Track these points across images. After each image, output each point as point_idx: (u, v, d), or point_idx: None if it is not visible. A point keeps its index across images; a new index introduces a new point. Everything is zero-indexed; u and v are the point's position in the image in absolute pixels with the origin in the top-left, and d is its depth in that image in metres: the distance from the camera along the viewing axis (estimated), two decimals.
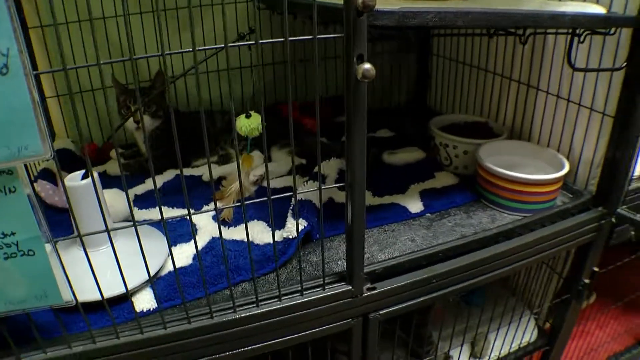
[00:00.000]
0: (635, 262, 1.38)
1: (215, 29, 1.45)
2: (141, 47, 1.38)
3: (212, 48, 0.58)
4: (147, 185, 1.20)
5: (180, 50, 0.58)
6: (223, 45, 0.57)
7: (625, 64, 0.97)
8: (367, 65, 0.59)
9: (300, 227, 0.90)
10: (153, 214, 1.06)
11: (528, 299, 1.39)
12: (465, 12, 0.69)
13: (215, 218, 1.03)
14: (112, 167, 1.30)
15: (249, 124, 0.93)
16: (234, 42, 1.08)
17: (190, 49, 0.56)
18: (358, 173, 0.69)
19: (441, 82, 1.69)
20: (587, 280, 1.17)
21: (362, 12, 0.58)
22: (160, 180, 1.23)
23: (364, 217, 0.73)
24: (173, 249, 0.93)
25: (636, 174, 1.12)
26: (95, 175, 0.80)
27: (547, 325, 1.35)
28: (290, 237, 0.89)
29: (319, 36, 0.60)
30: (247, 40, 0.59)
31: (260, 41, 0.59)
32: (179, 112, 1.43)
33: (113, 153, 1.37)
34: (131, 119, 1.22)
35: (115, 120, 1.33)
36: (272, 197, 0.66)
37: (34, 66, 1.30)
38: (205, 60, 0.90)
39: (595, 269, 1.17)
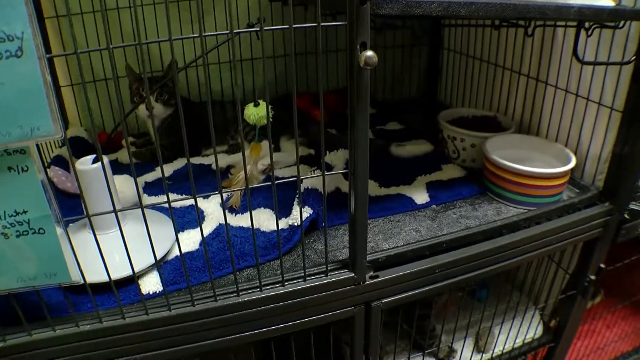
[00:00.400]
0: None
1: (227, 21, 1.47)
2: (154, 38, 1.40)
3: (219, 34, 0.60)
4: (157, 172, 1.22)
5: (187, 36, 0.60)
6: (229, 31, 0.58)
7: (634, 57, 0.96)
8: (370, 53, 0.60)
9: (306, 215, 0.91)
10: (162, 200, 1.08)
11: (534, 294, 1.39)
12: (469, 3, 0.70)
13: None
14: (124, 156, 1.33)
15: (257, 112, 0.94)
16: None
17: (198, 35, 0.57)
18: (361, 160, 0.70)
19: (451, 76, 1.69)
20: (593, 277, 1.17)
21: (364, 0, 0.59)
22: (171, 168, 1.25)
23: (367, 205, 0.74)
24: (181, 234, 0.95)
25: None
26: (106, 160, 0.83)
27: (553, 322, 1.35)
28: (296, 224, 0.90)
29: (323, 24, 0.61)
30: (261, 25, 0.60)
31: (265, 28, 0.60)
32: (190, 102, 1.45)
33: (125, 142, 1.40)
34: (144, 107, 1.25)
35: (126, 108, 1.35)
36: (276, 181, 0.67)
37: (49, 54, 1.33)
38: (216, 48, 0.91)
39: (602, 265, 1.17)
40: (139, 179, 1.18)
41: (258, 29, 0.60)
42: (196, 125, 1.14)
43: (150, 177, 1.20)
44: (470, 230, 0.95)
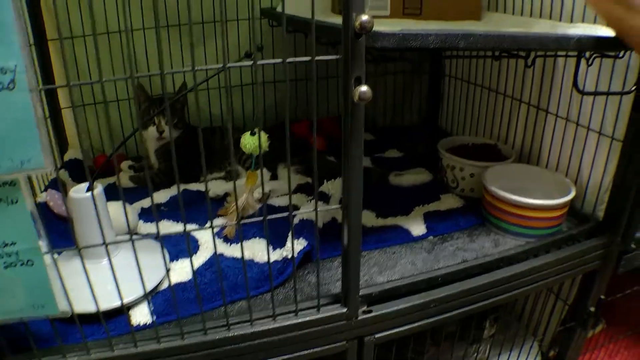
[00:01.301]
0: None
1: (228, 45, 1.47)
2: (155, 61, 1.41)
3: (212, 68, 0.60)
4: (155, 198, 1.21)
5: (179, 70, 0.60)
6: (222, 65, 0.58)
7: (634, 87, 0.96)
8: (364, 88, 0.59)
9: (300, 247, 0.90)
10: (154, 232, 1.07)
11: (532, 325, 1.37)
12: (467, 35, 0.69)
13: (218, 234, 1.04)
14: (123, 179, 1.32)
15: (252, 141, 0.94)
16: (237, 61, 1.11)
17: (190, 69, 0.57)
18: (354, 194, 0.69)
19: (452, 103, 1.68)
20: (592, 309, 1.15)
21: (360, 33, 0.58)
22: (168, 194, 1.24)
23: (360, 239, 0.73)
24: (175, 263, 0.94)
25: None
26: (100, 189, 0.82)
27: (552, 353, 1.32)
28: (290, 256, 0.89)
29: (317, 57, 0.61)
30: (255, 57, 0.60)
31: (259, 62, 0.60)
32: (190, 126, 1.45)
33: (124, 165, 1.40)
34: (154, 129, 1.26)
35: (126, 131, 1.36)
36: (268, 217, 0.66)
37: (51, 78, 1.33)
38: (214, 78, 0.92)
39: (602, 297, 1.15)
40: (135, 204, 1.17)
41: (255, 61, 0.60)
42: (196, 150, 1.13)
43: (147, 202, 1.19)
44: (467, 264, 0.93)
